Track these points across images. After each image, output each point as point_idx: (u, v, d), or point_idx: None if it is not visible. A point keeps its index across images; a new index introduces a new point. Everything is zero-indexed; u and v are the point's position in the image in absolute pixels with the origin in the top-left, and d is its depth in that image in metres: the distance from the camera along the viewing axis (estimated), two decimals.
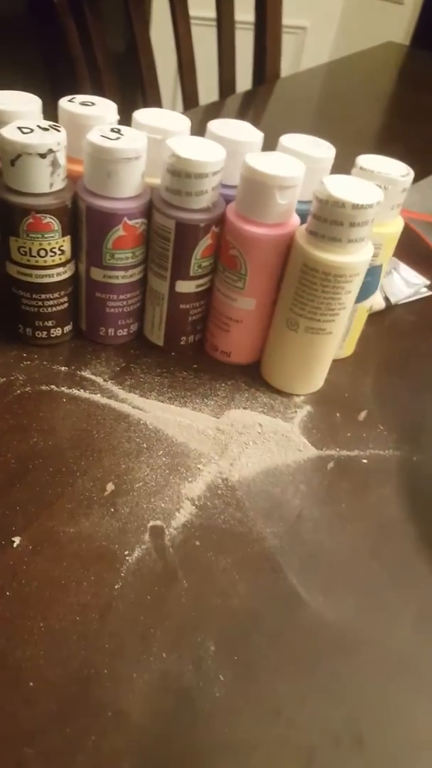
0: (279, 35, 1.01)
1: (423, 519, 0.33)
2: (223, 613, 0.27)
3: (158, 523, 0.31)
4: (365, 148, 0.38)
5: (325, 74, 1.07)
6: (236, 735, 0.24)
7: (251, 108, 0.89)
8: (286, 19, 1.04)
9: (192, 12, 0.87)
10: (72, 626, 0.26)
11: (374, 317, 0.47)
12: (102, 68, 0.73)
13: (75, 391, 0.37)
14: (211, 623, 0.27)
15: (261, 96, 0.94)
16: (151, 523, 0.31)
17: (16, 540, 0.28)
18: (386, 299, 0.49)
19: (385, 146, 0.85)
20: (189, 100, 0.90)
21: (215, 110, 0.85)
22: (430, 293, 0.51)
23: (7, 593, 0.27)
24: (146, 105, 0.82)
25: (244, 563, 0.29)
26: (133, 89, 0.86)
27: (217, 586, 0.28)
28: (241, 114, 0.87)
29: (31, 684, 0.24)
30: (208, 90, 1.00)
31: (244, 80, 1.02)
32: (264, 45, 1.00)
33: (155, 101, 0.83)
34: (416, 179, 0.67)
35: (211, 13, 0.91)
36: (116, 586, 0.28)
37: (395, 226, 0.37)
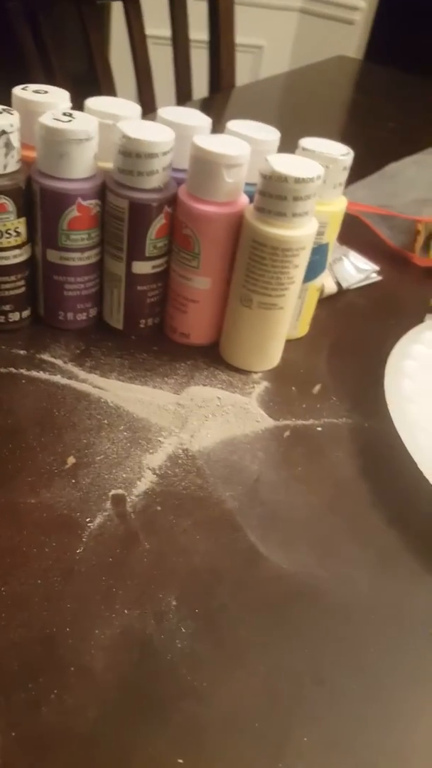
0: (232, 47, 1.04)
1: (375, 477, 0.34)
2: (184, 571, 0.28)
3: (120, 491, 0.31)
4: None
5: (281, 84, 1.10)
6: (198, 682, 0.24)
7: (208, 113, 0.91)
8: (243, 38, 1.07)
9: (148, 31, 0.89)
10: (34, 589, 0.26)
11: (326, 301, 0.49)
12: (58, 76, 0.73)
13: (34, 373, 0.37)
14: (172, 580, 0.27)
15: (217, 102, 0.97)
16: (113, 491, 0.31)
17: None
18: (338, 284, 0.50)
19: None
20: (147, 108, 0.91)
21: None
22: (379, 278, 0.53)
23: None
24: None
25: (204, 524, 0.30)
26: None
27: (179, 546, 0.29)
28: None
29: None
30: (165, 101, 1.02)
31: (200, 93, 1.04)
32: (218, 58, 1.02)
33: None
34: (365, 176, 0.70)
35: (167, 32, 0.93)
36: (78, 551, 0.28)
37: (338, 205, 0.38)
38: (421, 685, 0.25)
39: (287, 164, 0.33)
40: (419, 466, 0.32)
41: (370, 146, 0.83)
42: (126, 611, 0.26)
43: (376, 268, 0.53)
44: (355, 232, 0.57)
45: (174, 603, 0.26)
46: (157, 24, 0.96)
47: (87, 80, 0.82)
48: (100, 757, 0.22)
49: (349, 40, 1.94)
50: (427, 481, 0.31)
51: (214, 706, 0.23)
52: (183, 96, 1.00)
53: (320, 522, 0.31)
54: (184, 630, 0.25)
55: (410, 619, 0.27)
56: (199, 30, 0.99)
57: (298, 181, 0.32)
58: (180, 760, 0.22)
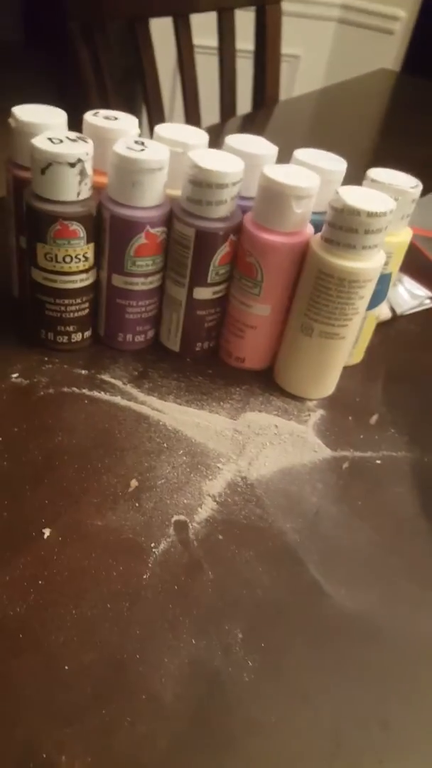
0: (278, 60, 1.05)
1: None
2: (248, 603, 0.28)
3: (182, 517, 0.32)
4: (363, 166, 0.40)
5: (322, 98, 1.11)
6: (266, 718, 0.25)
7: (252, 130, 0.92)
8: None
9: (194, 41, 0.91)
10: (103, 613, 0.27)
11: (381, 327, 0.49)
12: (110, 91, 0.76)
13: (96, 393, 0.38)
14: (237, 612, 0.28)
15: (261, 118, 0.98)
16: (175, 517, 0.32)
17: (47, 532, 0.30)
18: (392, 310, 0.51)
19: (381, 165, 0.88)
20: (191, 123, 0.93)
21: (217, 132, 0.88)
22: None
23: (40, 582, 0.28)
24: (151, 125, 0.85)
25: (266, 556, 0.31)
26: (134, 112, 0.89)
27: (242, 577, 0.30)
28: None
29: (66, 668, 0.25)
30: (208, 113, 1.04)
31: (243, 106, 1.06)
32: (264, 70, 1.04)
33: (159, 122, 0.86)
34: None
35: (213, 41, 0.95)
36: (144, 576, 0.29)
37: (404, 236, 0.39)
38: None
39: (358, 197, 0.34)
40: None
41: (415, 165, 0.83)
42: (193, 641, 0.27)
43: (430, 294, 0.54)
44: (407, 257, 0.57)
45: (240, 635, 0.27)
46: (203, 33, 0.98)
47: (124, 90, 0.84)
48: None
49: (388, 51, 1.95)
50: None
51: (282, 745, 0.24)
52: (227, 109, 1.02)
53: (382, 560, 0.32)
54: (251, 664, 0.26)
55: None
56: (242, 40, 1.00)
57: (370, 215, 0.33)
58: None
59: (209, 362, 0.43)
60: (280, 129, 0.93)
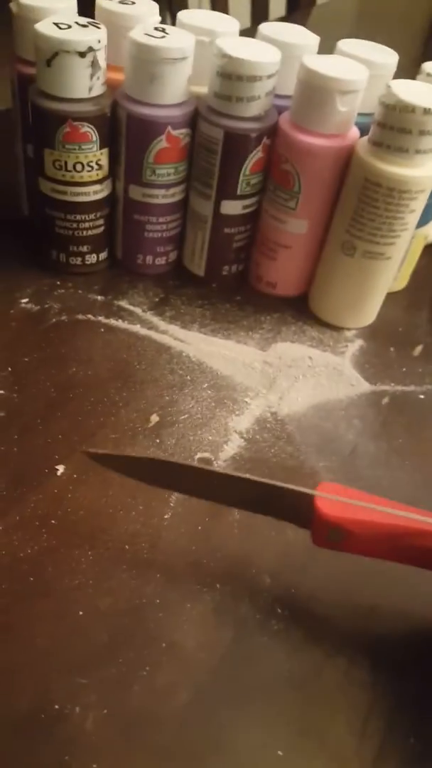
0: None
1: None
2: (277, 546, 0.26)
3: (206, 455, 0.29)
4: (409, 73, 0.35)
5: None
6: (297, 669, 0.23)
7: None
8: None
9: None
10: (121, 555, 0.25)
11: (428, 250, 0.44)
12: None
13: (113, 321, 0.35)
14: (265, 555, 0.26)
15: (296, 21, 0.89)
16: (199, 455, 0.29)
17: (60, 468, 0.27)
18: None
19: None
20: None
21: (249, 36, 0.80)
22: None
23: (53, 521, 0.26)
24: None
25: None
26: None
27: (271, 518, 0.27)
28: None
29: (80, 613, 0.23)
30: (239, 18, 0.95)
31: (277, 10, 0.96)
32: None
33: None
34: None
35: None
36: (165, 516, 0.27)
37: None
38: None
39: (413, 92, 0.29)
40: None
41: None
42: (218, 585, 0.25)
43: None
44: None
45: (268, 580, 0.25)
46: None
47: None
48: (191, 743, 0.21)
49: None
50: None
51: (316, 697, 0.22)
52: (258, 14, 0.92)
53: (424, 501, 0.29)
54: (279, 611, 0.24)
55: None
56: None
57: (427, 112, 0.28)
58: (280, 753, 0.21)
59: (237, 288, 0.39)
60: (318, 33, 0.85)
